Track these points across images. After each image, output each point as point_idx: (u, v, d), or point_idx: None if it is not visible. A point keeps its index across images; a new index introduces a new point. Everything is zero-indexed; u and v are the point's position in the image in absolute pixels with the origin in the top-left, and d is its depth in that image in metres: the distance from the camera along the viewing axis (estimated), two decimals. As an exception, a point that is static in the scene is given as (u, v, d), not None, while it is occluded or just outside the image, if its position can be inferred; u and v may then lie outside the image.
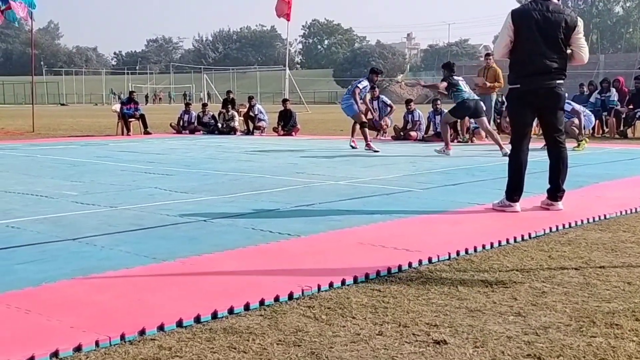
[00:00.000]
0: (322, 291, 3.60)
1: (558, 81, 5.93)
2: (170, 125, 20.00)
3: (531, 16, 5.84)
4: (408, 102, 17.07)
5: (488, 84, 15.34)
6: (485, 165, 10.10)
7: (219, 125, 19.14)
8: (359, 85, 12.60)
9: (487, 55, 16.23)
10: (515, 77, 5.98)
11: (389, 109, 16.90)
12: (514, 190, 6.00)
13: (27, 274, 3.85)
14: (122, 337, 2.88)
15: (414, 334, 2.96)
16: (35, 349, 2.68)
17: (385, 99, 17.44)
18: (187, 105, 21.05)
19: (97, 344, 2.80)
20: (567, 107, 11.72)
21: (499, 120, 17.29)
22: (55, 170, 9.33)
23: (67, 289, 3.57)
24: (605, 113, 17.32)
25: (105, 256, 4.31)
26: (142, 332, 2.94)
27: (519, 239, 4.89)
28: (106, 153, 12.36)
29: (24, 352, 2.65)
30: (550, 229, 5.22)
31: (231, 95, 20.42)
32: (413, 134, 15.93)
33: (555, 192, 6.07)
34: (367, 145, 12.28)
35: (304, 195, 6.91)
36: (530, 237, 4.96)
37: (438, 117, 15.25)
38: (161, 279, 3.81)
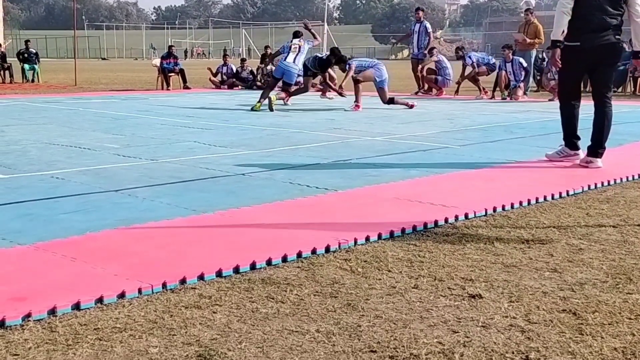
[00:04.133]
0: (359, 245, 3.65)
1: (617, 36, 5.95)
2: (208, 69, 19.95)
3: None
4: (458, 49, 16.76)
5: (528, 40, 15.06)
6: (523, 122, 9.98)
7: (258, 78, 19.08)
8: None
9: (528, 10, 15.90)
10: (576, 34, 5.92)
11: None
12: (573, 138, 6.16)
13: (72, 223, 3.96)
14: (164, 285, 2.96)
15: (449, 288, 3.00)
16: (81, 295, 2.78)
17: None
18: (225, 57, 21.04)
19: (139, 291, 2.89)
20: None
21: (539, 77, 17.00)
22: (97, 124, 9.47)
23: (110, 238, 3.67)
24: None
25: (147, 207, 4.40)
26: (183, 281, 3.02)
27: (556, 196, 4.86)
28: (146, 107, 12.48)
29: (71, 297, 2.75)
30: (589, 186, 5.18)
31: (269, 50, 20.34)
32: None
33: (596, 149, 6.04)
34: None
35: (341, 151, 6.93)
36: (568, 195, 4.93)
37: (509, 65, 14.79)
38: (201, 230, 3.89)
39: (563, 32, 5.93)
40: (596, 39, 5.89)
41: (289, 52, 12.47)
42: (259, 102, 11.83)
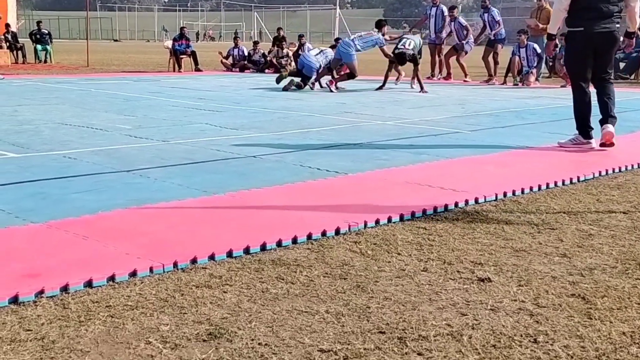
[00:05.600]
0: (369, 227, 3.66)
1: (617, 25, 6.14)
2: (219, 54, 19.91)
3: None
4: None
5: (541, 26, 14.94)
6: (534, 108, 9.95)
7: (273, 60, 18.96)
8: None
9: None
10: (579, 20, 6.08)
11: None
12: (587, 126, 6.24)
13: (84, 202, 3.99)
14: (175, 264, 2.99)
15: (458, 271, 3.01)
16: (93, 272, 2.81)
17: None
18: (235, 39, 21.00)
19: (151, 270, 2.91)
20: None
21: (551, 63, 16.88)
22: (109, 105, 9.50)
23: (122, 217, 3.70)
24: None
25: (158, 188, 4.43)
26: (193, 261, 3.04)
27: (567, 182, 4.86)
28: (158, 89, 12.50)
29: (83, 275, 2.78)
30: (600, 172, 5.17)
31: (282, 33, 20.29)
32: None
33: (605, 117, 6.23)
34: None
35: (352, 134, 6.93)
36: (579, 181, 4.93)
37: (523, 51, 14.68)
38: (211, 211, 3.91)
39: (559, 28, 6.35)
40: (598, 26, 6.07)
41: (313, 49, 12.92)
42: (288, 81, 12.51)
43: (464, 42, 15.63)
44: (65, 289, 2.67)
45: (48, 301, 2.58)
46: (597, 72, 6.24)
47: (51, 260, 2.98)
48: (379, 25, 13.27)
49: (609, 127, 6.13)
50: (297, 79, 12.59)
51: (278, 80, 12.70)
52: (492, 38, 15.56)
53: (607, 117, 6.19)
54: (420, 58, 12.95)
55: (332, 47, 13.97)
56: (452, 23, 15.90)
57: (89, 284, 2.74)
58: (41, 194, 4.19)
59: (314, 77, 12.71)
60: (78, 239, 3.30)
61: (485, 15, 15.70)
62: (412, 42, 12.64)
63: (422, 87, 12.35)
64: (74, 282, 2.71)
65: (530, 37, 14.97)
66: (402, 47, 12.51)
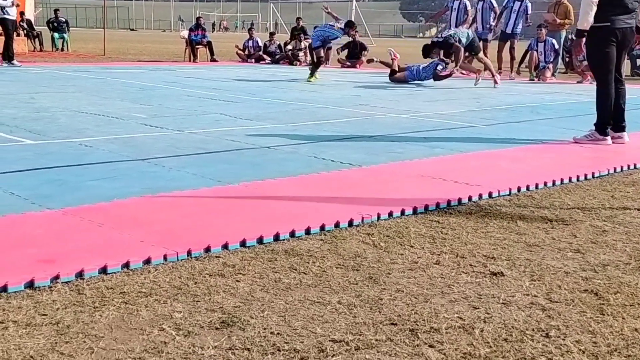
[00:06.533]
0: (382, 220, 3.67)
1: (635, 20, 6.20)
2: (236, 50, 19.96)
3: None
4: None
5: (558, 21, 14.82)
6: (550, 103, 9.90)
7: (290, 50, 18.94)
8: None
9: None
10: (606, 14, 6.04)
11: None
12: (607, 124, 6.24)
13: (99, 190, 4.02)
14: (189, 253, 3.01)
15: (470, 265, 3.01)
16: (107, 259, 2.83)
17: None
18: (250, 31, 21.00)
19: (165, 258, 2.94)
20: None
21: (568, 59, 16.76)
22: (125, 93, 9.54)
23: (137, 205, 3.73)
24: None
25: (173, 177, 4.45)
26: (207, 250, 3.06)
27: (582, 177, 4.84)
28: (173, 78, 12.54)
29: (98, 261, 2.81)
30: (615, 169, 5.14)
31: (300, 23, 20.22)
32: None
33: (619, 124, 6.28)
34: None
35: (366, 127, 6.93)
36: (593, 177, 4.91)
37: (541, 46, 14.57)
38: (225, 200, 3.93)
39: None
40: (622, 21, 6.07)
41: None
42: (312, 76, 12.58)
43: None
44: (80, 274, 2.70)
45: (63, 286, 2.61)
46: (615, 68, 6.24)
47: (67, 246, 3.01)
48: (349, 25, 13.36)
49: (625, 137, 6.28)
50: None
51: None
52: (510, 32, 15.16)
53: (622, 122, 6.28)
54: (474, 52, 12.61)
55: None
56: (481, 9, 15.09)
57: (103, 270, 2.76)
58: (57, 181, 4.22)
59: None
60: (93, 225, 3.33)
61: (517, 3, 14.81)
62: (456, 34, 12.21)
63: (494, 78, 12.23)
64: (89, 268, 2.74)
65: (547, 32, 14.86)
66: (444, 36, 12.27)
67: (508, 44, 15.08)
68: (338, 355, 2.14)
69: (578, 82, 13.91)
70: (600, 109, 6.27)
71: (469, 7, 15.24)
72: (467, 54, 12.42)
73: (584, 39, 6.18)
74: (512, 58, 15.12)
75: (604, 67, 6.25)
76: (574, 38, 6.84)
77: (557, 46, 14.47)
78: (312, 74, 12.78)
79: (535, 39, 14.73)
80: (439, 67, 12.36)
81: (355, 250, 3.16)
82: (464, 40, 12.04)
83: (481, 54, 12.42)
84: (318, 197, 4.07)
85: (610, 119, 6.25)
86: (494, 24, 15.11)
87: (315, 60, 12.79)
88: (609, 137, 6.22)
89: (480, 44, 14.90)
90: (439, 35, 12.41)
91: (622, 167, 5.20)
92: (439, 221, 3.68)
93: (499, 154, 5.67)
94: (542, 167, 5.15)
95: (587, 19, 6.02)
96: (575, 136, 6.38)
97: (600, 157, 5.68)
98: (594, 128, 6.28)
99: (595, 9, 6.00)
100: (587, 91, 11.82)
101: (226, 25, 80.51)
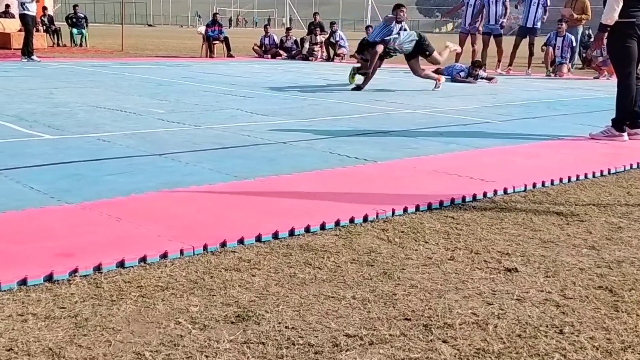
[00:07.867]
0: (396, 215, 3.68)
1: None
2: (254, 46, 20.04)
3: None
4: None
5: (575, 16, 14.71)
6: (567, 99, 9.85)
7: (306, 46, 18.91)
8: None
9: None
10: (630, 10, 6.03)
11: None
12: (625, 120, 6.24)
13: (117, 184, 4.06)
14: (205, 247, 3.04)
15: (485, 261, 3.02)
16: (125, 253, 2.87)
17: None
18: (266, 27, 21.04)
19: (181, 252, 2.97)
20: None
21: (584, 54, 16.65)
22: (143, 89, 9.60)
23: (154, 200, 3.77)
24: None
25: (189, 172, 4.49)
26: (223, 244, 3.09)
27: (597, 174, 4.82)
28: (190, 74, 12.59)
29: (115, 255, 2.84)
30: (631, 165, 5.12)
31: (317, 18, 20.21)
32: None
33: (636, 119, 6.26)
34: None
35: (382, 122, 6.93)
36: (609, 173, 4.89)
37: (560, 40, 14.47)
38: (241, 196, 3.95)
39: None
40: None
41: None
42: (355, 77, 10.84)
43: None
44: (98, 268, 2.74)
45: (81, 280, 2.64)
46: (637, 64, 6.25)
47: (85, 240, 3.05)
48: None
49: None
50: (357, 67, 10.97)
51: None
52: (530, 26, 14.86)
53: (638, 117, 6.27)
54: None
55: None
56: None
57: (121, 264, 2.80)
58: (76, 176, 4.27)
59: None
60: (111, 220, 3.36)
61: None
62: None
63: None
64: (107, 262, 2.77)
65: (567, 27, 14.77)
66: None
67: (527, 39, 14.95)
68: (352, 349, 2.16)
69: (595, 78, 13.82)
70: (619, 104, 6.25)
71: (484, 2, 14.93)
72: (421, 56, 10.84)
73: (606, 34, 6.11)
74: (531, 54, 15.01)
75: (625, 63, 6.21)
76: (591, 34, 6.80)
77: (574, 43, 14.37)
78: (357, 74, 10.88)
79: (555, 33, 14.61)
80: (462, 74, 12.28)
81: (370, 246, 3.18)
82: (406, 46, 10.55)
83: (435, 54, 11.07)
84: (333, 193, 4.09)
85: (630, 115, 6.23)
86: (504, 20, 14.88)
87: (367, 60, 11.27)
88: (625, 134, 6.20)
89: (491, 39, 14.84)
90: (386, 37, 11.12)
91: (638, 164, 5.18)
92: (454, 217, 3.68)
93: (515, 150, 5.66)
94: (557, 163, 5.14)
95: (612, 15, 5.98)
96: (591, 132, 6.36)
97: (616, 153, 5.65)
98: (610, 124, 6.25)
99: (621, 5, 5.96)
100: (603, 87, 11.76)
101: (241, 19, 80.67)
